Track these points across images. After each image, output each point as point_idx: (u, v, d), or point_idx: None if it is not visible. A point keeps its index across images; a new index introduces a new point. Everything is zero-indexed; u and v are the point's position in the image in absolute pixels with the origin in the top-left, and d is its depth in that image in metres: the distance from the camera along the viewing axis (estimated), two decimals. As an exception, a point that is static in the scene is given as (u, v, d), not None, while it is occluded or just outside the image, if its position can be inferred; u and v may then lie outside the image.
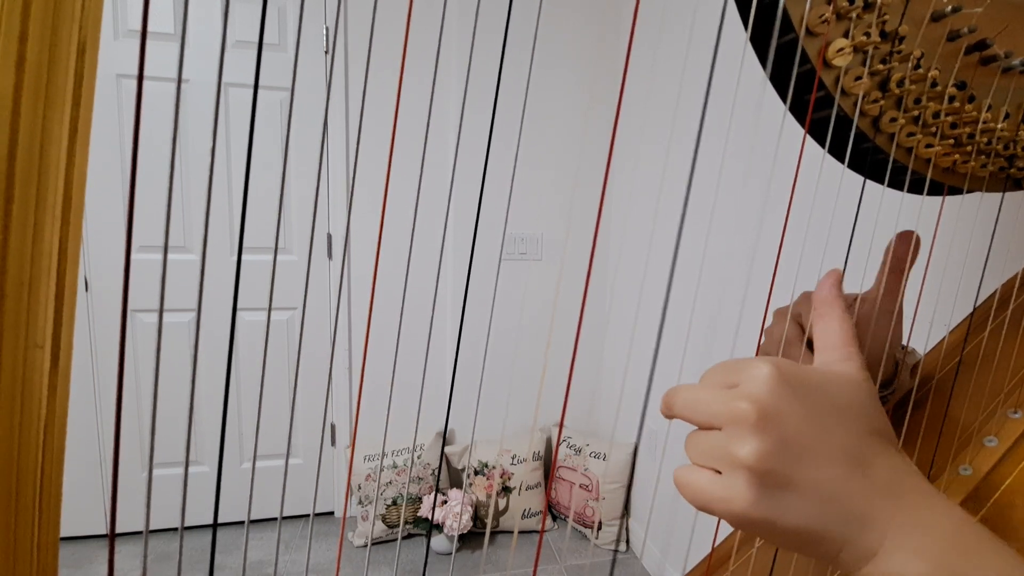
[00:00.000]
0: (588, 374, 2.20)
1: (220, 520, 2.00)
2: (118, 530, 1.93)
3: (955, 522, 0.24)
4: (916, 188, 0.42)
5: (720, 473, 0.24)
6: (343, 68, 1.87)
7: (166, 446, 1.90)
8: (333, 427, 2.07)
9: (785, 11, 0.33)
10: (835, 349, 0.28)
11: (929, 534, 0.24)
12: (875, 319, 0.42)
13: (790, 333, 0.40)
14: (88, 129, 0.27)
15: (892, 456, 0.25)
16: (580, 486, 1.95)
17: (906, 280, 0.40)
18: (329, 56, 1.85)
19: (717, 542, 0.49)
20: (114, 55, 1.70)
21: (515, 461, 1.97)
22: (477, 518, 1.96)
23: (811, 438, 0.24)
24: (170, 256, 1.84)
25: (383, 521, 1.90)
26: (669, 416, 0.28)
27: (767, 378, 0.24)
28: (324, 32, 1.84)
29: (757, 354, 0.43)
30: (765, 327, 0.43)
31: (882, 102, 0.37)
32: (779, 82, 0.36)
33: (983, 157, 0.41)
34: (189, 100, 1.77)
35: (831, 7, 0.33)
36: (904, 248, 0.39)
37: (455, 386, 2.10)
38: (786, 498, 0.23)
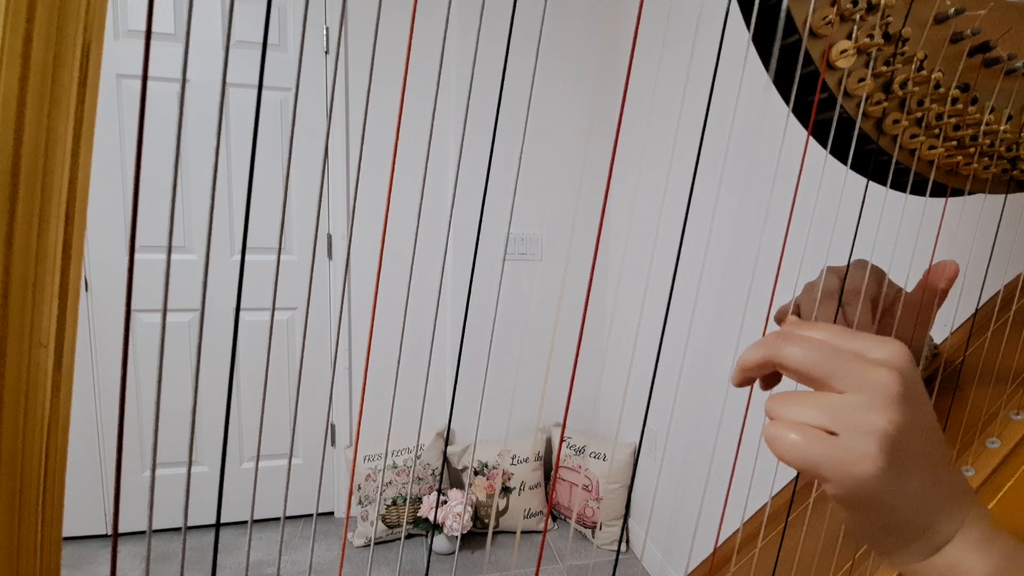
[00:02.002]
0: (590, 374, 2.20)
1: (221, 520, 2.00)
2: (119, 530, 1.92)
3: (1013, 537, 0.26)
4: (919, 190, 0.42)
5: (835, 435, 0.23)
6: (343, 68, 1.87)
7: (166, 446, 1.90)
8: (333, 427, 2.07)
9: (788, 13, 0.33)
10: None
11: (994, 537, 0.25)
12: (910, 323, 0.42)
13: (823, 314, 0.40)
14: (92, 129, 0.27)
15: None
16: (581, 487, 1.95)
17: (938, 306, 0.41)
18: (329, 56, 1.85)
19: (719, 543, 0.49)
20: (114, 55, 1.70)
21: (516, 461, 1.97)
22: (477, 518, 1.96)
23: (928, 427, 0.24)
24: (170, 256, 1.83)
25: (383, 521, 1.90)
26: (762, 364, 0.26)
27: (909, 358, 0.24)
28: (324, 32, 1.84)
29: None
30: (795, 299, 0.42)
31: (885, 104, 0.37)
32: (782, 84, 0.36)
33: (986, 159, 0.41)
34: (188, 100, 1.77)
35: (835, 9, 0.33)
36: (937, 278, 0.39)
37: (456, 386, 2.10)
38: (902, 475, 0.23)
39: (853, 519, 0.26)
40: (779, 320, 0.40)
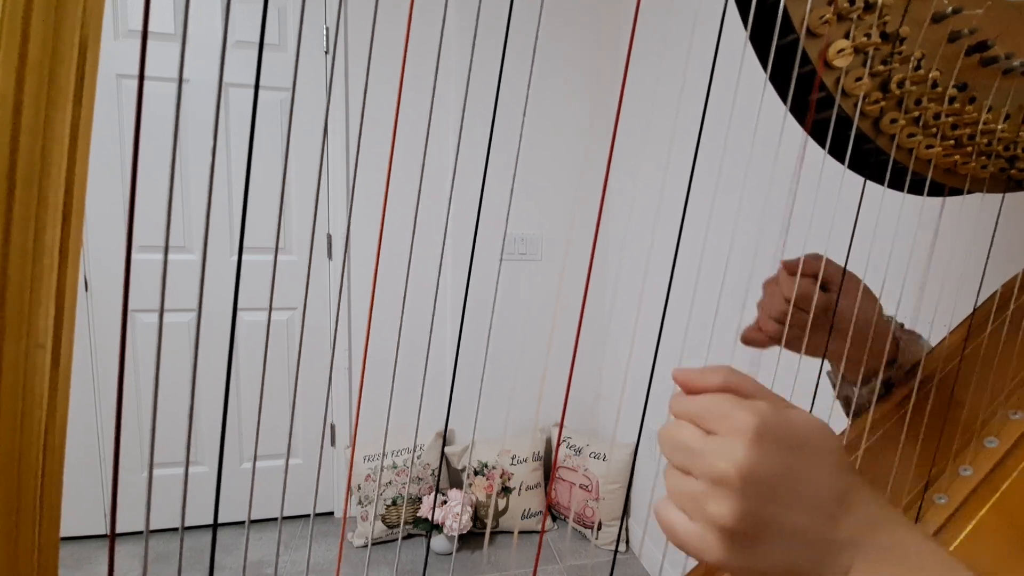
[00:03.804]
0: (589, 374, 2.20)
1: (219, 520, 2.00)
2: (117, 530, 1.92)
3: (918, 544, 0.25)
4: (916, 189, 0.42)
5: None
6: (343, 68, 1.87)
7: (165, 446, 1.90)
8: (333, 427, 2.07)
9: (786, 12, 0.33)
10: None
11: (895, 553, 0.25)
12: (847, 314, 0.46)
13: (804, 289, 0.44)
14: (89, 128, 0.27)
15: (866, 488, 0.26)
16: (580, 486, 1.95)
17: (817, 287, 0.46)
18: (329, 56, 1.85)
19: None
20: (114, 55, 1.70)
21: (515, 461, 1.97)
22: (477, 518, 1.96)
23: (790, 490, 0.24)
24: (170, 256, 1.84)
25: (383, 521, 1.90)
26: None
27: (749, 436, 0.24)
28: (324, 32, 1.84)
29: (762, 311, 0.48)
30: (767, 279, 0.47)
31: (883, 103, 0.37)
32: (780, 83, 0.36)
33: (984, 158, 0.41)
34: (188, 100, 1.77)
35: (832, 8, 0.33)
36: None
37: (455, 386, 2.10)
38: (759, 548, 0.24)
39: None
40: (744, 340, 0.48)
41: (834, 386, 0.56)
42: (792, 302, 0.44)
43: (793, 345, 0.48)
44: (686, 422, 0.27)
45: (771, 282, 0.48)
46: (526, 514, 1.97)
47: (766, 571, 0.24)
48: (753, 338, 0.49)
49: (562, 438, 2.02)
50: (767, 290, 0.48)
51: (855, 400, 0.53)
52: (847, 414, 0.55)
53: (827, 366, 0.55)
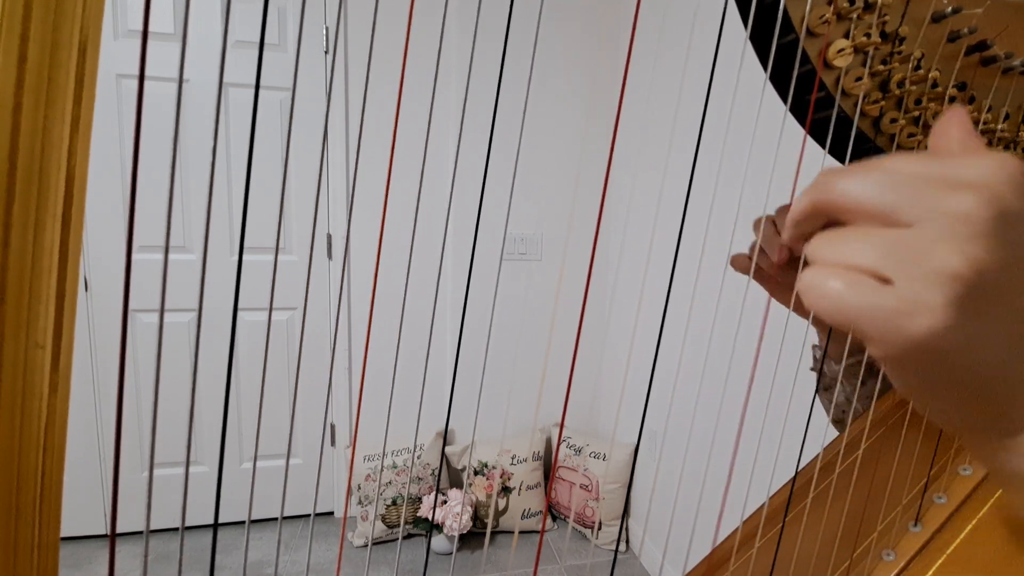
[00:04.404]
0: (588, 374, 2.20)
1: (220, 520, 2.00)
2: (118, 530, 1.92)
3: None
4: (916, 189, 0.42)
5: (888, 282, 0.17)
6: (343, 68, 1.87)
7: (166, 446, 1.90)
8: (333, 427, 2.07)
9: (786, 12, 0.33)
10: None
11: None
12: None
13: (767, 233, 0.39)
14: (89, 128, 0.27)
15: None
16: (580, 486, 1.95)
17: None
18: (329, 56, 1.85)
19: (717, 542, 0.49)
20: (114, 55, 1.70)
21: (515, 461, 1.97)
22: (477, 518, 1.96)
23: None
24: (170, 256, 1.84)
25: (383, 521, 1.90)
26: (811, 212, 0.20)
27: (1009, 172, 0.17)
28: (324, 32, 1.84)
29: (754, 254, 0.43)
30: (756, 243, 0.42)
31: (882, 103, 0.37)
32: (780, 82, 0.36)
33: (983, 158, 0.41)
34: (189, 100, 1.77)
35: (832, 8, 0.33)
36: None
37: (455, 386, 2.10)
38: (981, 329, 0.17)
39: (908, 386, 0.19)
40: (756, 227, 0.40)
41: (815, 359, 0.53)
42: (787, 243, 0.40)
43: (767, 285, 0.43)
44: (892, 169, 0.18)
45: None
46: (526, 514, 1.97)
47: (976, 368, 0.18)
48: (736, 262, 0.43)
49: (562, 438, 2.03)
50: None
51: (831, 376, 0.51)
52: (819, 391, 0.54)
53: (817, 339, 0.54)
